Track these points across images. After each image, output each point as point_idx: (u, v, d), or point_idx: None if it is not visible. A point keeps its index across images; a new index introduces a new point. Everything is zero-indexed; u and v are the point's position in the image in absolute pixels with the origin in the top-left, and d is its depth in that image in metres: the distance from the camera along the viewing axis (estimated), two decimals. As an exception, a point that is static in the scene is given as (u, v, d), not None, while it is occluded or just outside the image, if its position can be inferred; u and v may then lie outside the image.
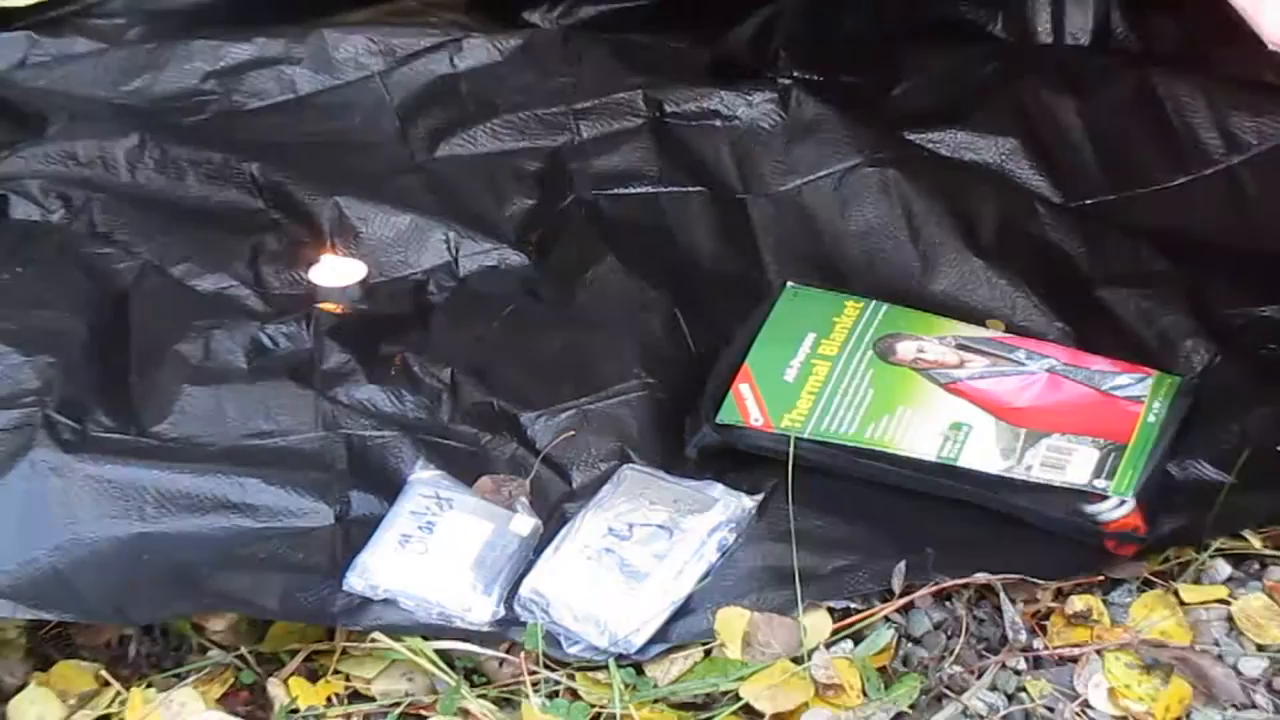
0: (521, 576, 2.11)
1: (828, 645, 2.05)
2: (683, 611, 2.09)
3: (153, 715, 1.99)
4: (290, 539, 2.16)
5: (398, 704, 2.01)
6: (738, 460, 2.26)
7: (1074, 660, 2.04)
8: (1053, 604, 2.10)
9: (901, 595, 2.08)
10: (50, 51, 2.70)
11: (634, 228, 2.56)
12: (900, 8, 2.79)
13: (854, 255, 2.52)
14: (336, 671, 2.04)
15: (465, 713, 1.99)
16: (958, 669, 2.04)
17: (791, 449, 2.19)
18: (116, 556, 2.12)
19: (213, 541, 2.15)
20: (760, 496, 2.19)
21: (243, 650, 2.07)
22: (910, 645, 2.07)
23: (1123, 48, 2.76)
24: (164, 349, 2.35)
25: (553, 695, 2.00)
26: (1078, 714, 1.99)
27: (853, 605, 2.09)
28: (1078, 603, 2.09)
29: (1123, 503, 2.13)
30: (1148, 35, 2.76)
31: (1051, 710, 1.99)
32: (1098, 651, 2.04)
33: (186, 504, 2.17)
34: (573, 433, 2.28)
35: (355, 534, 2.16)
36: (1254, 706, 2.00)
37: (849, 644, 2.05)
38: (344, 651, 2.06)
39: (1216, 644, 2.06)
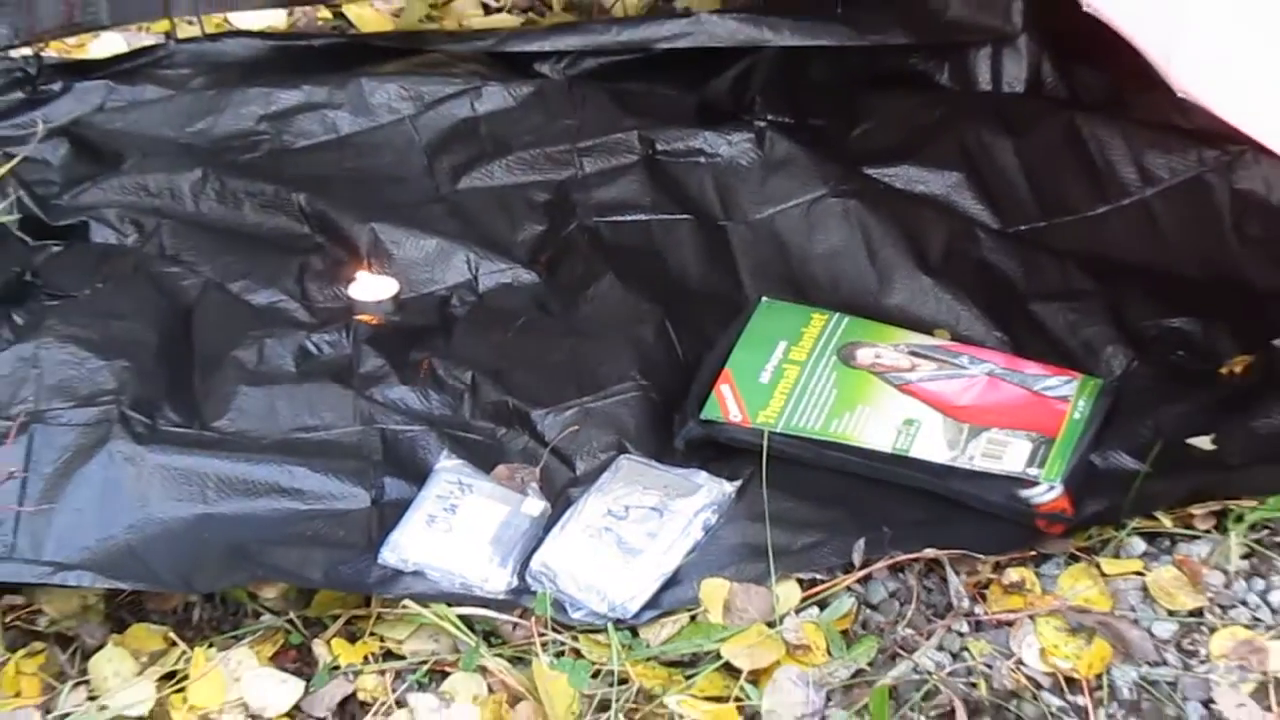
0: (532, 552, 2.12)
1: (797, 611, 2.06)
2: (672, 582, 2.10)
3: (213, 672, 1.99)
4: (332, 519, 2.17)
5: (425, 662, 2.01)
6: (719, 451, 2.26)
7: (1010, 624, 2.04)
8: (991, 575, 2.10)
9: (861, 568, 2.09)
10: (125, 98, 2.70)
11: (630, 250, 2.57)
12: (860, 60, 2.79)
13: (820, 274, 2.52)
14: (372, 634, 2.05)
15: (483, 669, 1.99)
16: (909, 631, 2.04)
17: (765, 442, 2.19)
18: (182, 534, 2.13)
19: (265, 521, 2.16)
20: (739, 482, 2.19)
21: (291, 615, 2.07)
22: (868, 611, 2.07)
23: (1052, 95, 2.76)
24: (223, 355, 2.35)
25: (559, 654, 2.01)
26: (1013, 670, 1.99)
27: (819, 577, 2.09)
28: (1013, 574, 2.09)
29: (1052, 488, 2.15)
30: (1074, 84, 2.76)
31: (990, 667, 1.99)
32: (1030, 617, 2.04)
33: (243, 489, 2.18)
34: (576, 428, 2.28)
35: (388, 515, 2.17)
36: (1165, 664, 2.00)
37: (815, 610, 2.06)
38: (379, 616, 2.06)
39: (1133, 610, 2.06)
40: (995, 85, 2.79)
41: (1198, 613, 2.06)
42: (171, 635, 2.05)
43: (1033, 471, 2.17)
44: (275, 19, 2.91)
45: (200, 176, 2.59)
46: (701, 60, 2.78)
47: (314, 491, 2.19)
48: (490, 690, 1.98)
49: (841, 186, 2.60)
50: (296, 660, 2.04)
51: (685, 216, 2.61)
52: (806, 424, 2.25)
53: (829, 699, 1.97)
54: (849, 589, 2.08)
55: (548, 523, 2.16)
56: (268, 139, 2.69)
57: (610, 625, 2.03)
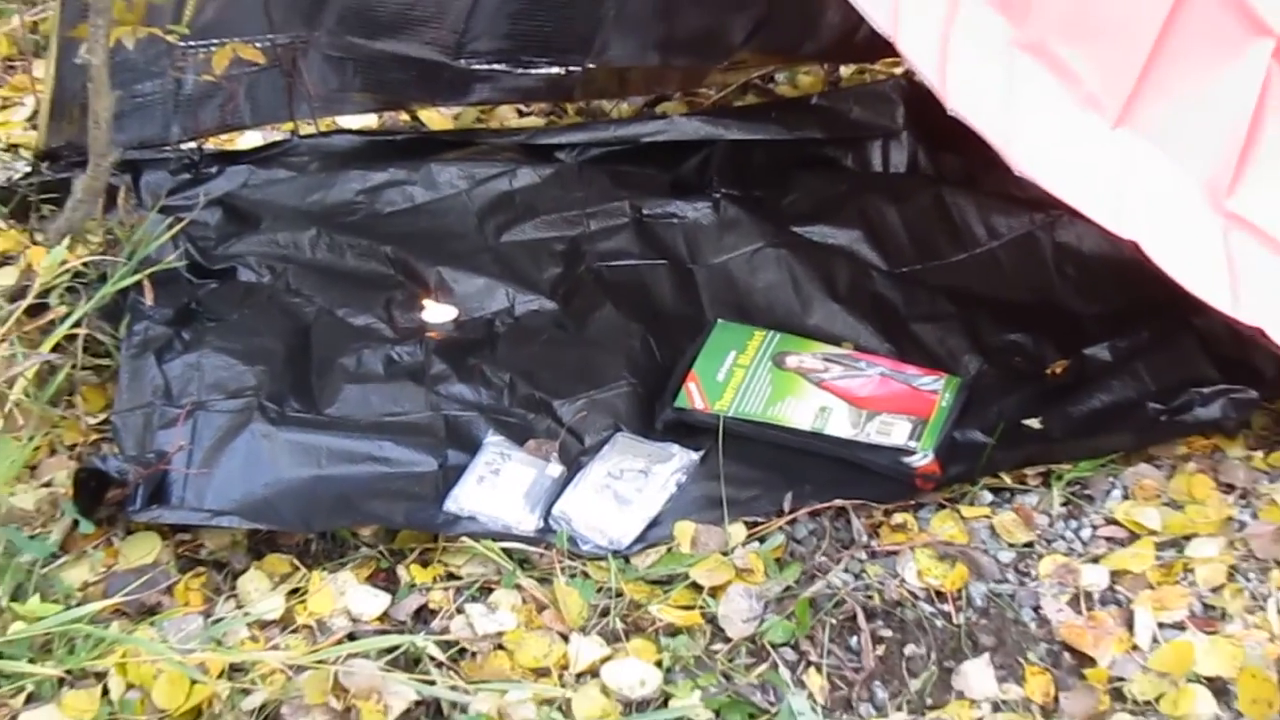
0: (553, 502, 2.13)
1: (743, 544, 2.06)
2: (654, 524, 2.11)
3: (325, 588, 1.99)
4: (410, 479, 2.17)
5: (476, 581, 2.02)
6: (688, 430, 2.26)
7: (895, 553, 2.05)
8: (882, 519, 2.12)
9: (789, 513, 2.09)
10: (263, 177, 2.69)
11: (623, 286, 2.56)
12: (788, 149, 2.78)
13: (760, 303, 2.52)
14: (439, 561, 2.06)
15: (519, 587, 2.00)
16: (824, 559, 2.05)
17: (721, 423, 2.21)
18: (303, 490, 2.14)
19: (362, 480, 2.17)
20: (701, 452, 2.20)
21: (381, 548, 2.08)
22: (794, 544, 2.08)
23: (925, 174, 2.76)
24: (332, 361, 2.36)
25: (573, 576, 2.02)
26: (898, 586, 2.00)
27: (758, 520, 2.10)
28: (898, 518, 2.11)
29: (926, 456, 2.16)
30: (940, 166, 2.76)
31: (882, 584, 2.00)
32: (910, 548, 2.05)
33: (346, 457, 2.18)
34: (585, 413, 2.29)
35: (450, 476, 2.17)
36: (1007, 581, 2.02)
37: (756, 544, 2.06)
38: (444, 549, 2.07)
39: (984, 543, 2.08)
40: (885, 167, 2.79)
41: (1029, 545, 2.08)
42: (295, 562, 2.05)
43: (912, 444, 2.18)
44: (369, 120, 2.90)
45: (315, 233, 2.59)
46: (674, 149, 2.78)
47: (397, 459, 2.19)
48: (524, 601, 1.99)
49: (775, 240, 2.59)
50: (385, 580, 2.04)
51: (663, 261, 2.61)
52: (750, 410, 2.26)
53: (766, 607, 1.98)
54: (780, 529, 2.09)
55: (564, 481, 2.17)
56: (363, 206, 2.68)
57: (609, 555, 2.05)
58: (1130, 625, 1.95)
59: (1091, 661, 1.92)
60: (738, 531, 2.08)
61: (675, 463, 2.18)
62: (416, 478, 2.18)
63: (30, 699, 1.84)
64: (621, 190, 2.71)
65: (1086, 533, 2.09)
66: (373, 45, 2.65)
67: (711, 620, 1.97)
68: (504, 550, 2.04)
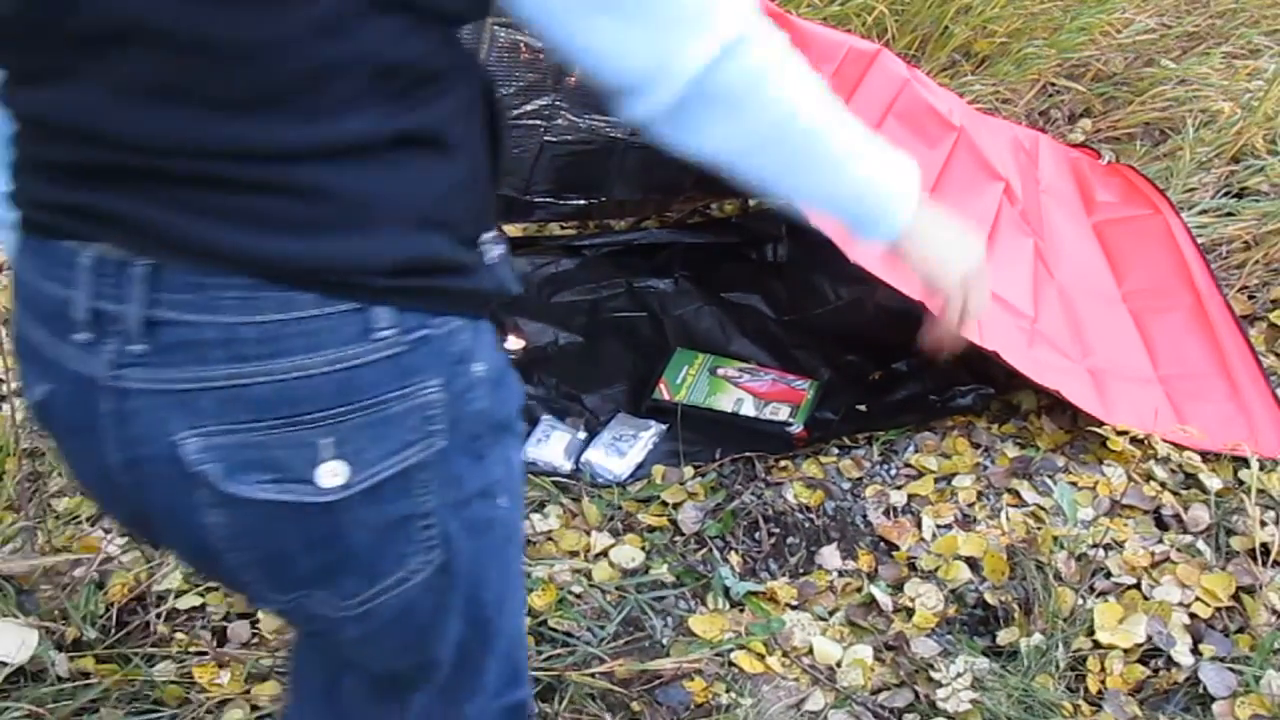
0: (582, 453, 2.11)
1: (692, 478, 2.05)
2: (640, 466, 2.09)
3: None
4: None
5: (536, 500, 2.00)
6: (660, 411, 2.23)
7: (781, 484, 2.04)
8: (773, 463, 2.10)
9: (719, 460, 2.08)
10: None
11: (622, 328, 2.52)
12: (720, 247, 2.73)
13: (701, 337, 2.48)
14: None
15: (561, 503, 1.99)
16: (739, 487, 2.04)
17: (679, 409, 2.19)
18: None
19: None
20: (668, 424, 2.17)
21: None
22: (722, 478, 2.07)
23: (798, 261, 2.71)
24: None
25: (593, 497, 2.00)
26: (783, 503, 1.99)
27: (700, 464, 2.08)
28: (783, 463, 2.09)
29: (799, 426, 2.15)
30: (811, 257, 2.69)
31: (774, 501, 1.99)
32: (790, 480, 2.04)
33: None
34: (600, 401, 2.27)
35: (521, 439, 2.13)
36: (847, 500, 2.01)
37: (700, 478, 2.05)
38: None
39: (833, 478, 2.06)
40: (775, 258, 2.74)
41: (860, 479, 2.06)
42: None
43: (791, 420, 2.16)
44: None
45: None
46: (652, 248, 2.75)
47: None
48: (564, 511, 1.98)
49: (710, 302, 2.55)
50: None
51: (644, 314, 2.57)
52: (696, 400, 2.24)
53: (705, 515, 1.97)
54: (714, 469, 2.08)
55: (588, 441, 2.14)
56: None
57: (614, 484, 2.03)
58: (920, 526, 1.95)
59: (897, 547, 1.91)
60: (689, 471, 2.07)
61: (652, 430, 2.16)
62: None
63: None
64: (621, 272, 2.67)
65: (893, 471, 2.08)
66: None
67: (674, 523, 1.96)
68: (553, 482, 2.03)
